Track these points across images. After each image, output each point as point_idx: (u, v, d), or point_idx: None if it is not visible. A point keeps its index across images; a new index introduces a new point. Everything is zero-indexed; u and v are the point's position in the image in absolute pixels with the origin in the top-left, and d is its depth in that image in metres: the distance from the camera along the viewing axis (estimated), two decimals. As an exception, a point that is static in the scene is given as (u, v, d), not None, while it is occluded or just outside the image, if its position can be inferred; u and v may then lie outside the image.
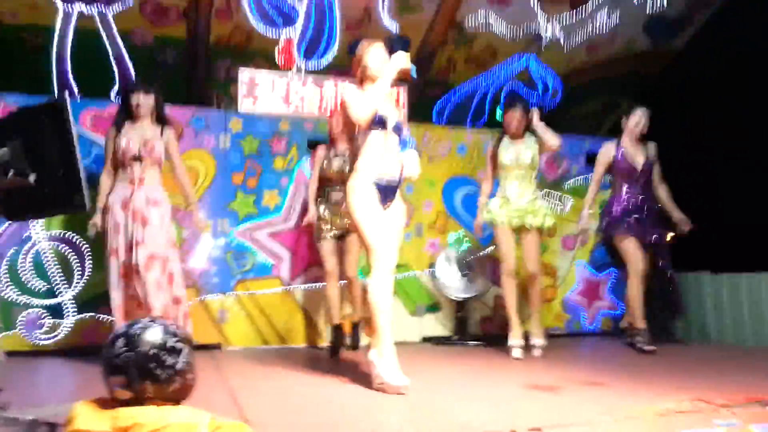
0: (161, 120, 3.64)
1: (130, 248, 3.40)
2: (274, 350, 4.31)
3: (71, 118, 2.78)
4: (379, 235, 2.89)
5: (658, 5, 5.51)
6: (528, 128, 4.06)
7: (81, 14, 4.83)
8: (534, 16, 5.59)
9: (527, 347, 3.97)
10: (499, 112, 6.15)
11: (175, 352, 1.58)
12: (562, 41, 5.83)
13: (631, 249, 4.22)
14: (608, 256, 4.80)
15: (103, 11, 4.88)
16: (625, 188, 4.36)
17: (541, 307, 4.13)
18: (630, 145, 4.34)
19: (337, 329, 4.10)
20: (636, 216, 4.27)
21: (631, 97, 6.31)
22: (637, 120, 4.31)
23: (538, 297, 4.07)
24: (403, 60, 2.97)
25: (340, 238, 4.08)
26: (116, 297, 3.42)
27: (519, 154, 4.04)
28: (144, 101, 3.54)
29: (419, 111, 5.68)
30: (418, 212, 4.90)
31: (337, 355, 4.01)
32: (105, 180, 3.58)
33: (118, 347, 1.55)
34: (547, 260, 5.12)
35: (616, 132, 5.65)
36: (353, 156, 3.03)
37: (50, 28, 4.81)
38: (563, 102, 6.02)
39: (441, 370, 3.51)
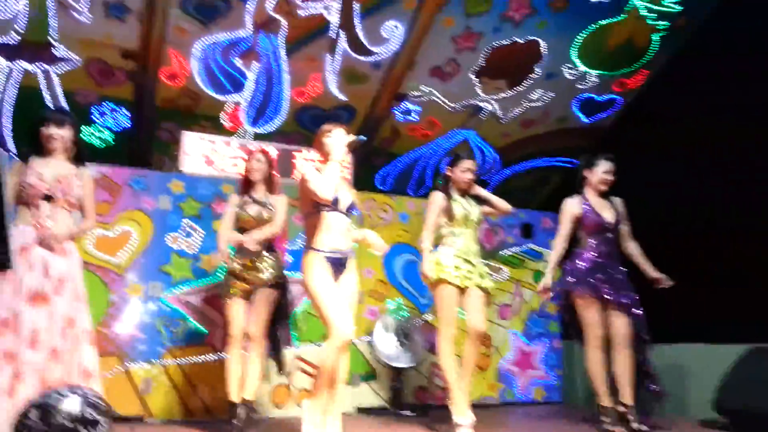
0: (79, 158, 3.19)
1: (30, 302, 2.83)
2: (197, 423, 4.06)
3: (4, 179, 2.73)
4: (334, 308, 3.01)
5: (586, 88, 5.95)
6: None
7: (25, 71, 4.82)
8: (473, 93, 5.90)
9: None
10: (440, 176, 6.37)
11: (92, 424, 1.53)
12: (499, 116, 6.15)
13: (590, 314, 3.81)
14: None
15: (47, 69, 4.89)
16: (591, 244, 3.94)
17: (473, 373, 3.78)
18: (595, 199, 4.01)
19: (234, 407, 3.62)
20: (602, 276, 3.83)
21: (562, 172, 6.64)
22: (605, 169, 3.97)
23: (473, 360, 3.69)
24: (345, 138, 3.22)
25: (250, 294, 3.69)
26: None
27: (469, 209, 3.86)
28: (57, 133, 3.08)
29: (363, 178, 5.81)
30: (359, 279, 4.92)
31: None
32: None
33: (32, 419, 1.49)
34: (483, 329, 5.21)
35: (547, 206, 5.93)
36: (308, 232, 3.21)
37: (-10, 84, 4.76)
38: (498, 174, 6.28)
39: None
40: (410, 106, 5.99)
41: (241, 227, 3.78)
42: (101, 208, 4.24)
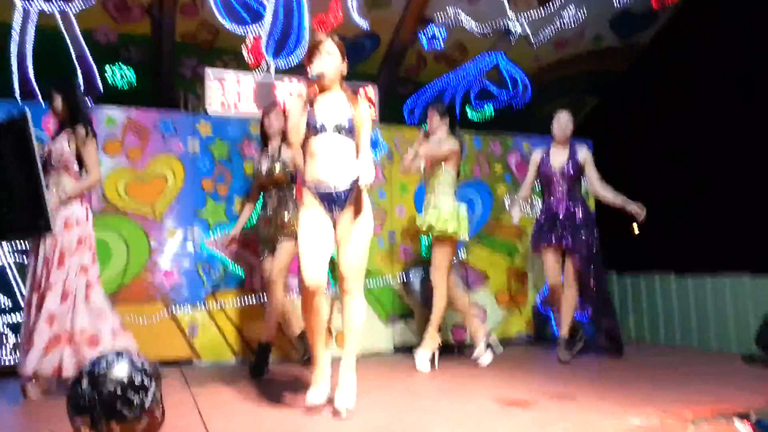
0: (73, 119, 3.23)
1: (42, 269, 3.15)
2: (246, 364, 4.12)
3: (33, 138, 2.69)
4: (305, 251, 2.70)
5: (623, 3, 5.61)
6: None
7: (42, 12, 4.64)
8: (503, 13, 5.60)
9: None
10: (471, 112, 6.19)
11: (141, 389, 1.54)
12: (530, 38, 5.86)
13: (546, 262, 4.24)
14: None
15: (65, 9, 4.69)
16: (547, 196, 4.32)
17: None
18: (555, 148, 4.27)
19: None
20: (553, 224, 4.18)
21: (598, 95, 6.41)
22: (557, 124, 4.24)
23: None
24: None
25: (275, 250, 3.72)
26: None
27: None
28: (55, 107, 3.27)
29: (390, 111, 5.65)
30: (391, 218, 4.88)
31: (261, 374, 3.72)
32: None
33: (83, 387, 1.51)
34: (517, 265, 5.24)
35: (580, 132, 5.75)
36: (304, 160, 2.86)
37: (10, 26, 4.61)
38: (532, 100, 6.06)
39: (412, 382, 3.53)
40: (436, 31, 5.71)
41: (260, 186, 3.89)
42: (133, 153, 4.21)
